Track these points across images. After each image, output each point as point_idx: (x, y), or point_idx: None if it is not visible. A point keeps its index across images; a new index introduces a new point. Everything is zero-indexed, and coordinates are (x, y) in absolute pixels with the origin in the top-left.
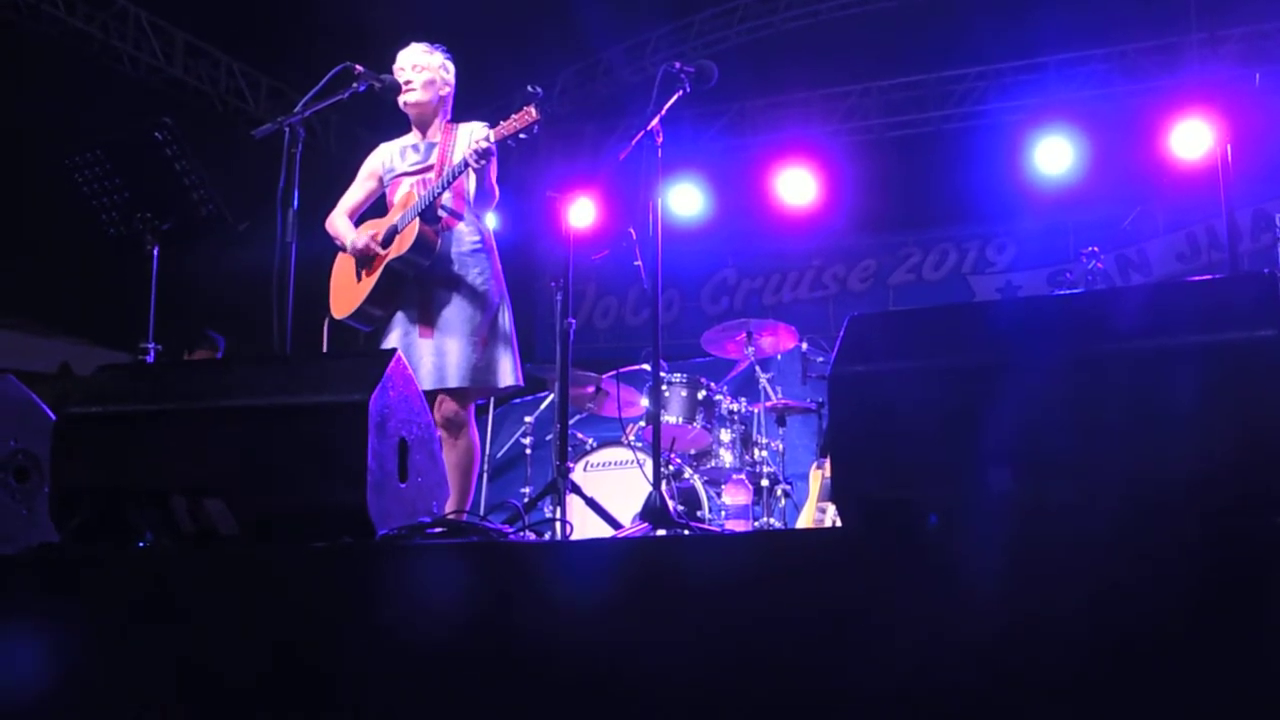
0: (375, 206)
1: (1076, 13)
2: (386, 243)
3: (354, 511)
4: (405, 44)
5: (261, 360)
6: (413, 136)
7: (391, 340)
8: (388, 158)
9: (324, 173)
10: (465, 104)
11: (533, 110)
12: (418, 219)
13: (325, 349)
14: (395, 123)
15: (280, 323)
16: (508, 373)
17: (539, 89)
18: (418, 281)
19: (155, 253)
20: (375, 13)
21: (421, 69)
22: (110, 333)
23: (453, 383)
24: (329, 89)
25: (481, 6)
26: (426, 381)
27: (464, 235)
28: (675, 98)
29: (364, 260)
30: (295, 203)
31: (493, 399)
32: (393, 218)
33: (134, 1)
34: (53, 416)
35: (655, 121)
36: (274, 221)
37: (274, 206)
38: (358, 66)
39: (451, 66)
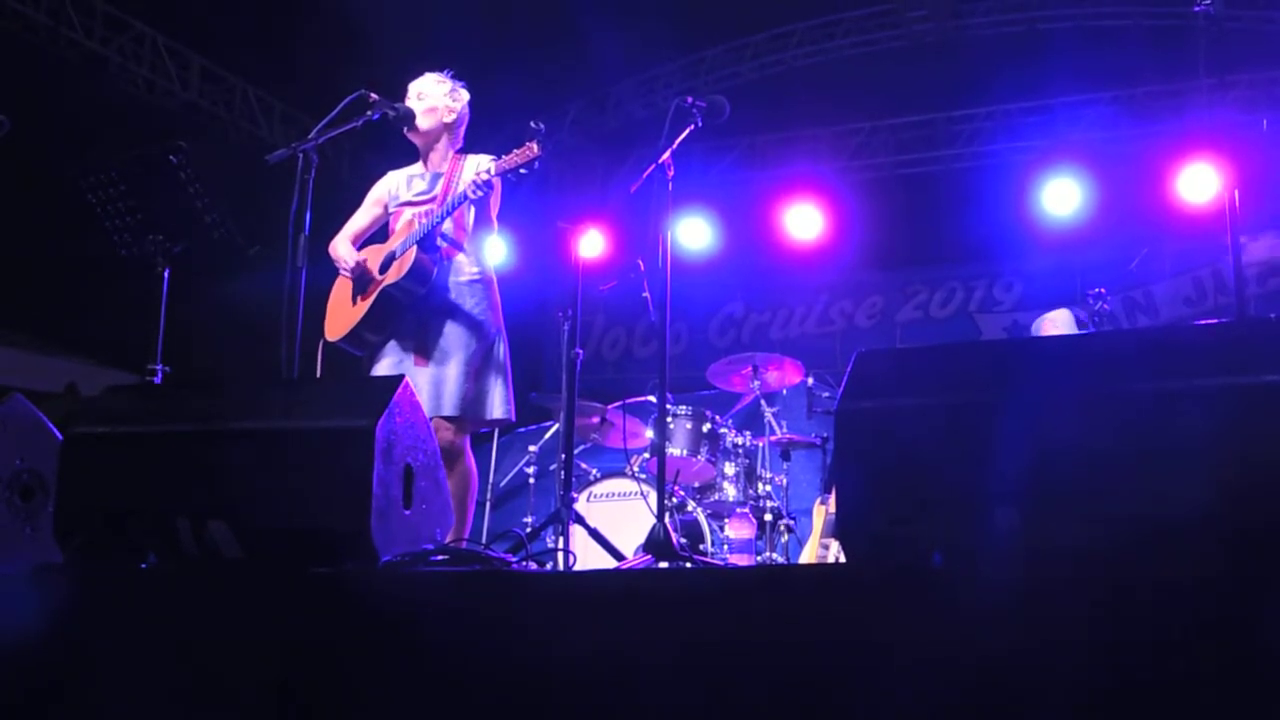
0: (380, 234)
1: (1085, 56)
2: (384, 269)
3: (358, 537)
4: (418, 73)
5: (269, 384)
6: (420, 166)
7: (383, 368)
8: (394, 186)
9: (336, 199)
10: (475, 135)
11: (534, 146)
12: (415, 247)
13: (320, 371)
14: (408, 151)
15: (289, 347)
16: (498, 405)
17: (542, 125)
18: (413, 310)
19: (166, 275)
20: (391, 42)
21: (425, 97)
22: (118, 353)
23: (447, 411)
24: (343, 116)
25: (495, 38)
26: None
27: (463, 266)
28: (687, 132)
29: (360, 284)
30: (307, 228)
31: (496, 428)
32: (392, 244)
33: (151, 26)
34: (59, 436)
35: (667, 155)
36: (285, 246)
37: (286, 231)
38: (372, 95)
39: (462, 96)
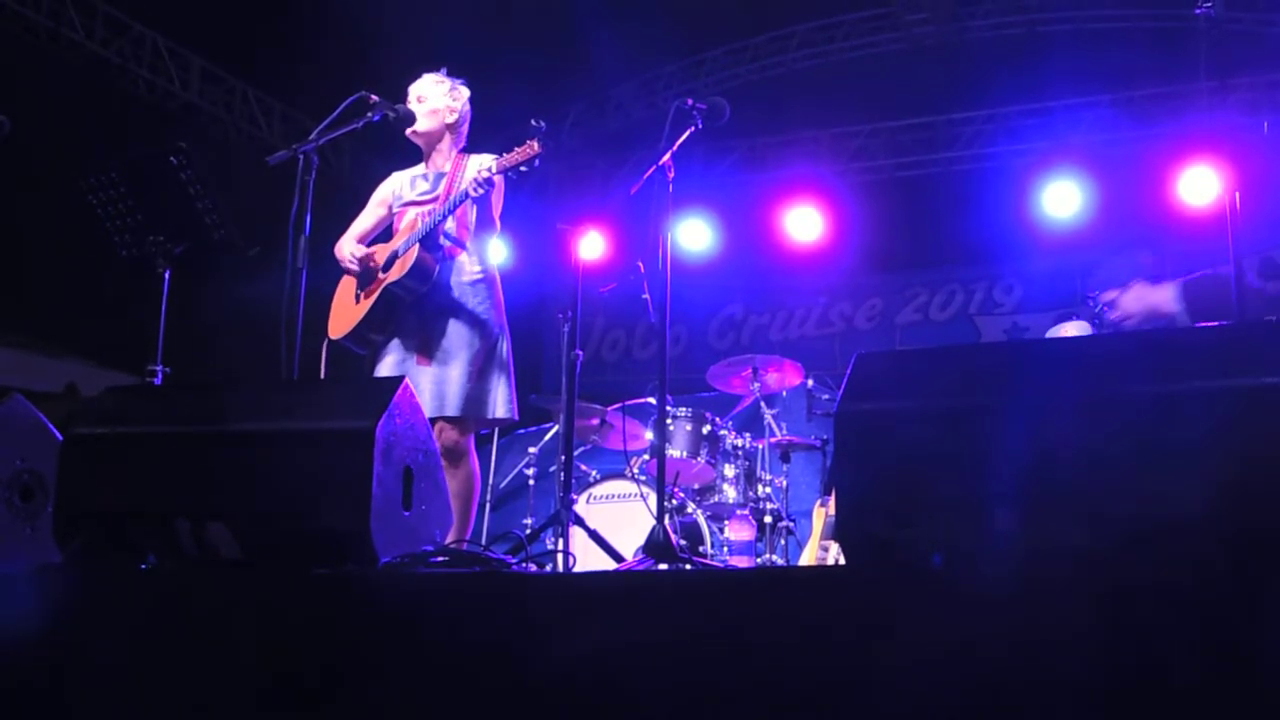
0: (385, 235)
1: (1085, 58)
2: (387, 267)
3: (357, 538)
4: (418, 75)
5: (269, 385)
6: (423, 166)
7: (385, 367)
8: (398, 186)
9: (337, 200)
10: (476, 136)
11: (535, 144)
12: (418, 245)
13: (324, 371)
14: (409, 152)
15: (289, 348)
16: (501, 404)
17: (542, 123)
18: (416, 309)
19: (166, 275)
20: (391, 43)
21: (425, 99)
22: (118, 355)
23: (451, 411)
24: (343, 117)
25: (495, 40)
26: (426, 410)
27: (465, 265)
28: (687, 134)
29: (364, 283)
30: (307, 229)
31: (496, 429)
32: (395, 243)
33: (151, 27)
34: (59, 437)
35: (667, 157)
36: (286, 248)
37: (286, 233)
38: (373, 96)
39: (462, 93)
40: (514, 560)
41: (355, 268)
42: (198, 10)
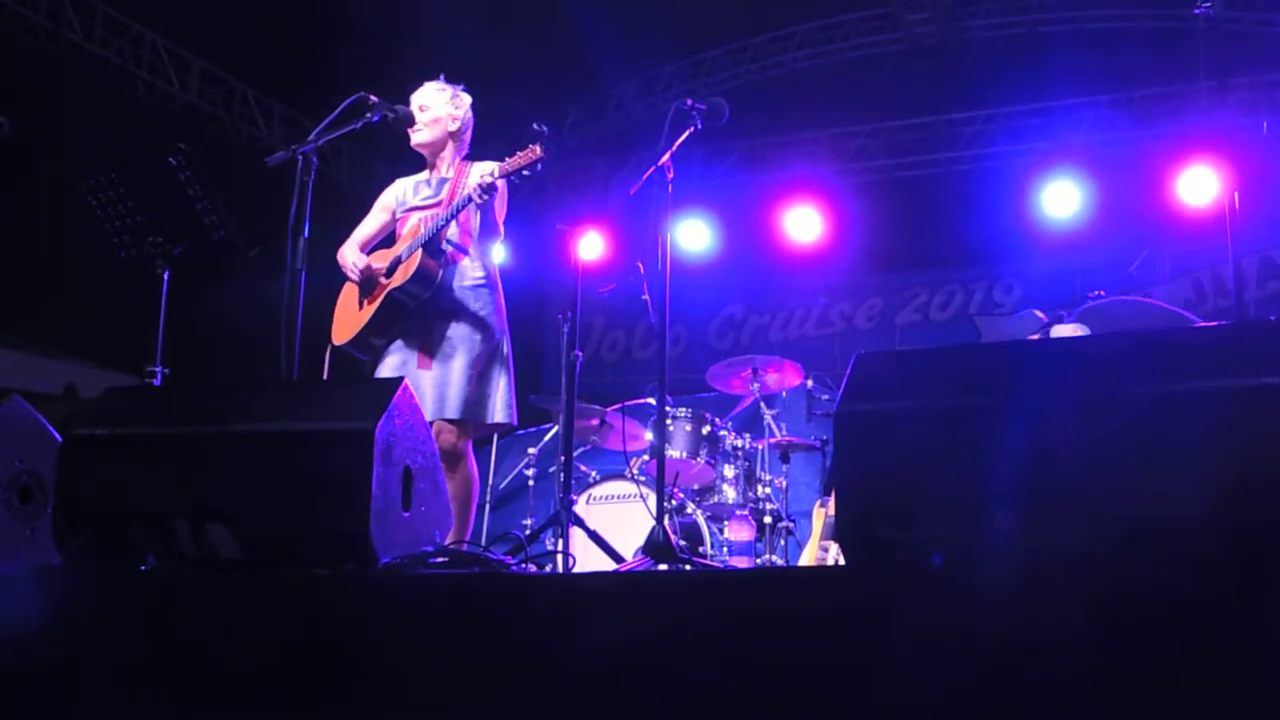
0: (389, 240)
1: (1085, 58)
2: (389, 273)
3: (357, 539)
4: (417, 76)
5: (268, 386)
6: (427, 173)
7: (386, 370)
8: (401, 192)
9: (336, 202)
10: (476, 137)
11: (537, 148)
12: (420, 250)
13: (326, 375)
14: (408, 154)
15: (288, 350)
16: (500, 409)
17: (545, 127)
18: (418, 313)
19: (166, 276)
20: (390, 44)
21: (427, 108)
22: (118, 355)
23: (450, 413)
24: (342, 118)
25: (495, 41)
26: (425, 412)
27: (467, 270)
28: (686, 134)
29: (366, 288)
30: (306, 231)
31: (497, 432)
32: (398, 249)
33: (151, 28)
34: (59, 438)
35: (666, 157)
36: (285, 249)
37: (285, 234)
38: (372, 97)
39: (465, 100)
40: (513, 561)
41: (357, 278)
42: (197, 11)
